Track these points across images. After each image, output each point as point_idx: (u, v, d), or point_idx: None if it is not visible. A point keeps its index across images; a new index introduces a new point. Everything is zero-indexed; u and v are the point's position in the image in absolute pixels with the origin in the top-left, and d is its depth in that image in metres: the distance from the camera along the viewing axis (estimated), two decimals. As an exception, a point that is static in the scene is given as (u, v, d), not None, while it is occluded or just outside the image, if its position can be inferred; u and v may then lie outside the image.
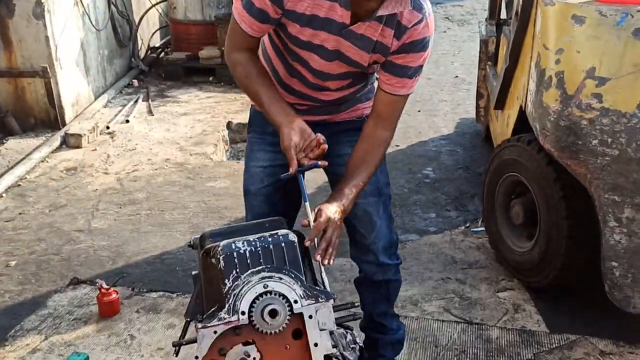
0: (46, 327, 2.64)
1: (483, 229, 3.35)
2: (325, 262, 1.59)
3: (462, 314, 2.72)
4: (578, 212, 2.52)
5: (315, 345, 1.47)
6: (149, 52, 7.03)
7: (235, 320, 1.43)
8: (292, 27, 1.72)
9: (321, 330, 1.47)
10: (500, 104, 3.37)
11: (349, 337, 2.39)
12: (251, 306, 1.43)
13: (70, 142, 4.69)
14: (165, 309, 2.76)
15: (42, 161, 4.42)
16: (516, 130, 2.97)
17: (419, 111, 5.37)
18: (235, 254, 1.48)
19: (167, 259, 3.20)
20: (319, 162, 1.68)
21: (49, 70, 4.73)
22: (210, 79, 6.39)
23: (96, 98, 5.54)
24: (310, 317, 1.46)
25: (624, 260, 2.29)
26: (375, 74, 1.98)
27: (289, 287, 1.46)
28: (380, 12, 1.62)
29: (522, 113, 2.78)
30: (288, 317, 1.45)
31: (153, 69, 6.70)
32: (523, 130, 2.81)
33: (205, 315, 1.47)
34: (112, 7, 5.86)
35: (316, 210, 1.65)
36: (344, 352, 2.34)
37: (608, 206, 2.26)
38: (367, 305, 2.21)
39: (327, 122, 1.99)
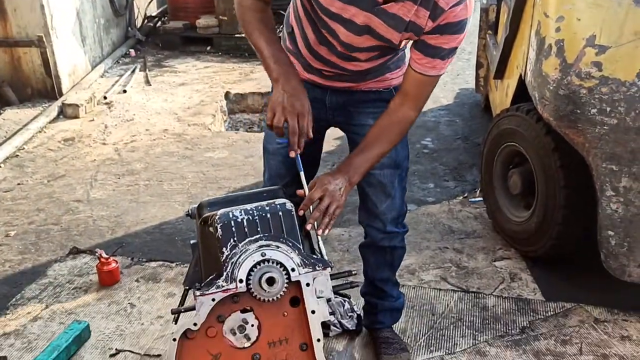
0: (47, 296, 2.66)
1: (481, 199, 3.36)
2: (320, 231, 1.60)
3: (459, 283, 2.75)
4: (575, 182, 2.53)
5: (313, 312, 1.48)
6: (146, 21, 6.96)
7: (233, 288, 1.44)
8: None
9: (318, 297, 1.49)
10: (500, 73, 3.35)
11: (347, 305, 2.41)
12: (249, 274, 1.44)
13: (68, 112, 4.67)
14: (165, 278, 2.78)
15: (40, 131, 4.41)
16: (516, 100, 2.95)
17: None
18: (232, 222, 1.48)
19: (166, 229, 3.22)
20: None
21: (44, 39, 4.69)
22: (208, 48, 6.34)
23: (93, 68, 5.50)
24: (308, 284, 1.48)
25: (620, 229, 2.30)
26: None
27: (287, 256, 1.46)
28: None
29: (521, 82, 2.76)
30: (285, 285, 1.46)
31: (150, 39, 6.64)
32: (522, 100, 2.80)
33: (203, 283, 1.48)
34: (108, -26, 5.80)
35: (314, 180, 1.65)
36: (342, 320, 2.37)
37: (605, 175, 2.26)
38: (370, 271, 2.22)
39: (352, 90, 1.95)
